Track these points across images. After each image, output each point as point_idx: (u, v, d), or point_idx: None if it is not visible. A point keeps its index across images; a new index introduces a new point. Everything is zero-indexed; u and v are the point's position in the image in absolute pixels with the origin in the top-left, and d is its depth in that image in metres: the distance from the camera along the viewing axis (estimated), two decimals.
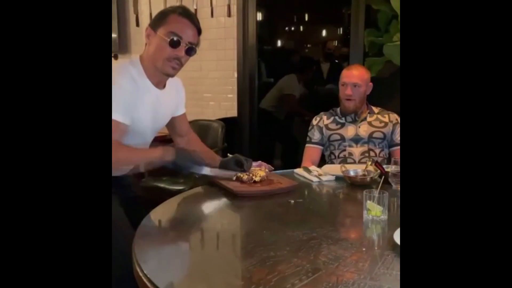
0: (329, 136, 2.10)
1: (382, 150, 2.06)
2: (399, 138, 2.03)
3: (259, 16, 3.84)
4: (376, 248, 1.07)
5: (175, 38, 1.40)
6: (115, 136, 1.36)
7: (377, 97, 2.19)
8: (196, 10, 3.52)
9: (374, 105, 2.18)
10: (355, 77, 2.04)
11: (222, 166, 1.65)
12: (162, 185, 2.73)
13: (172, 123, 1.71)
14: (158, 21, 1.45)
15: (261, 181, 1.53)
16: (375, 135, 2.05)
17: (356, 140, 2.06)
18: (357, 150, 2.04)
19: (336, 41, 4.76)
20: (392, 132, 2.07)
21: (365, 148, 2.04)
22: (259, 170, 1.57)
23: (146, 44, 1.50)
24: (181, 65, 1.47)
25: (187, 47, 1.44)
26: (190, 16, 1.46)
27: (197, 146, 1.73)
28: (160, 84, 1.53)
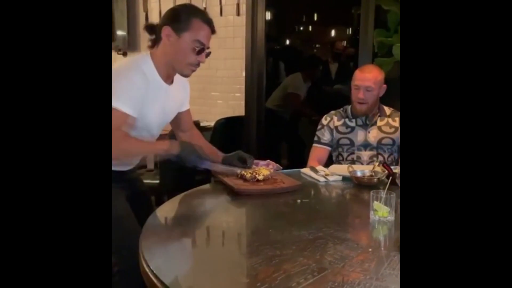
0: (339, 139, 2.08)
1: (391, 154, 2.04)
2: None
3: (268, 16, 3.84)
4: (382, 248, 1.07)
5: (201, 47, 1.46)
6: (123, 127, 1.38)
7: (385, 97, 2.17)
8: (205, 8, 3.53)
9: (385, 105, 2.13)
10: (368, 80, 1.98)
11: (226, 162, 1.69)
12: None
13: (176, 119, 1.73)
14: (181, 24, 1.45)
15: (264, 180, 1.53)
16: (384, 141, 2.02)
17: (365, 145, 2.04)
18: (365, 154, 2.02)
19: (345, 41, 4.75)
20: None
21: (373, 152, 2.02)
22: (263, 169, 1.57)
23: (160, 40, 1.49)
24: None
25: (207, 52, 1.50)
26: (211, 22, 1.50)
27: (199, 142, 1.75)
28: (168, 79, 1.55)
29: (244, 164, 1.65)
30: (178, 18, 1.46)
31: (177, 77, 1.59)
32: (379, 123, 2.06)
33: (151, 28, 1.54)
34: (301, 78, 3.94)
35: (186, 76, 1.54)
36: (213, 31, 1.50)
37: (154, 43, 1.53)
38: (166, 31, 1.46)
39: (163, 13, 3.97)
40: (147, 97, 1.46)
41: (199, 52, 1.47)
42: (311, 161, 2.08)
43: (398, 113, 2.10)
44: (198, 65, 1.50)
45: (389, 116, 2.08)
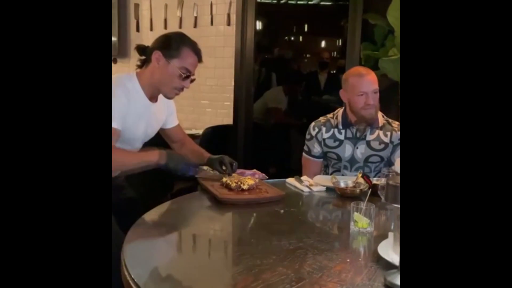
0: (326, 152, 2.03)
1: (378, 173, 1.97)
2: (398, 163, 1.72)
3: (258, 26, 3.89)
4: (360, 259, 1.09)
5: (187, 74, 1.59)
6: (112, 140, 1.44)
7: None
8: (196, 18, 3.57)
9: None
10: (373, 83, 1.88)
11: (209, 163, 1.78)
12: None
13: (166, 134, 1.86)
14: (171, 50, 1.57)
15: (248, 189, 1.55)
16: (371, 159, 1.96)
17: (352, 162, 1.98)
18: (350, 174, 1.96)
19: (335, 52, 4.82)
20: (392, 153, 1.96)
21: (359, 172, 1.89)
22: (248, 179, 1.59)
23: (149, 62, 1.61)
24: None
25: (191, 78, 1.62)
26: (199, 52, 1.63)
27: (189, 147, 1.87)
28: (153, 98, 1.67)
29: (222, 170, 1.72)
30: (169, 45, 1.58)
31: (162, 96, 1.69)
32: (369, 137, 1.96)
33: (142, 50, 1.65)
34: (282, 92, 4.01)
35: (169, 98, 1.67)
36: (200, 60, 1.62)
37: (143, 63, 1.64)
38: (157, 55, 1.57)
39: (154, 20, 3.99)
40: (131, 113, 1.55)
41: (185, 78, 1.59)
42: (309, 176, 1.92)
43: (391, 127, 1.98)
44: (182, 89, 1.62)
45: (381, 128, 1.97)
